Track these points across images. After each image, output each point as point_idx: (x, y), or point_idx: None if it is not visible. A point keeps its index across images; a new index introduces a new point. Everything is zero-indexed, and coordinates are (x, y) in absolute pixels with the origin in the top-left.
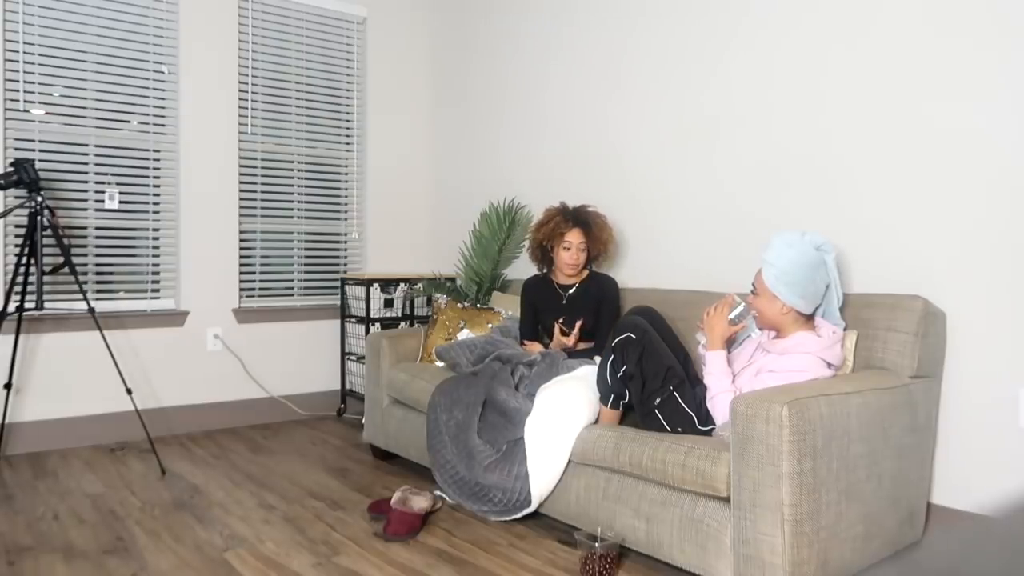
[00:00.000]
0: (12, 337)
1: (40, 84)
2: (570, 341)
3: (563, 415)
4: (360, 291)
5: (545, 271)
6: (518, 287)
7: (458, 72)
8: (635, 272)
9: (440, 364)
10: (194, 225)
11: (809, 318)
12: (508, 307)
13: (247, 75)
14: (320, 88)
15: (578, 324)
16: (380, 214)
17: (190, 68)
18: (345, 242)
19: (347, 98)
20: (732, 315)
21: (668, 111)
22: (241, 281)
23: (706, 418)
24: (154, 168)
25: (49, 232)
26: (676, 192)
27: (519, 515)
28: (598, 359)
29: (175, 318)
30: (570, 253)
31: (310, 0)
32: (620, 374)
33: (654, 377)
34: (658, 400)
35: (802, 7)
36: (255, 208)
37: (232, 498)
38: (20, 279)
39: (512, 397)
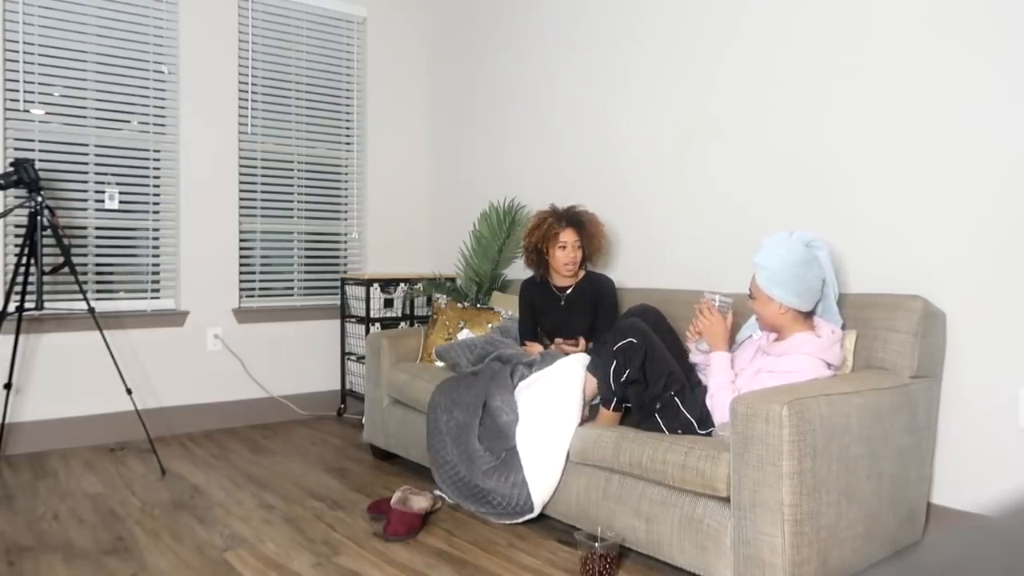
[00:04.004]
0: (12, 337)
1: (40, 84)
2: (576, 350)
3: (549, 420)
4: (360, 291)
5: (542, 274)
6: (518, 287)
7: (458, 72)
8: (636, 272)
9: (440, 364)
10: (194, 225)
11: (808, 317)
12: (508, 307)
13: (247, 75)
14: (320, 88)
15: (580, 342)
16: (380, 214)
17: (190, 68)
18: (345, 242)
19: (347, 98)
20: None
21: (668, 111)
22: (241, 281)
23: (706, 422)
24: (154, 168)
25: (49, 232)
26: (676, 192)
27: (521, 520)
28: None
29: (175, 318)
30: (566, 252)
31: (310, 0)
32: (623, 379)
33: (656, 381)
34: (659, 405)
35: (798, 8)
36: (255, 208)
37: (232, 498)
38: (20, 279)
39: (506, 406)
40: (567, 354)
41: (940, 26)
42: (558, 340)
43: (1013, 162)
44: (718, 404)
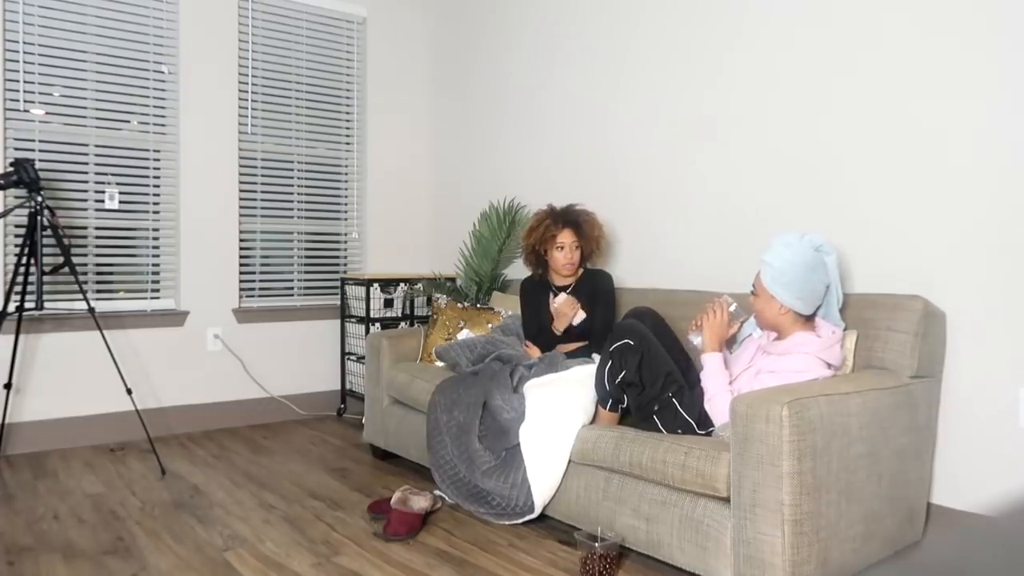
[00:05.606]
0: (12, 337)
1: (40, 84)
2: (573, 311)
3: (557, 420)
4: (360, 291)
5: (541, 273)
6: (518, 287)
7: (458, 72)
8: (635, 272)
9: (440, 364)
10: (194, 225)
11: (809, 319)
12: (508, 307)
13: (247, 75)
14: (320, 88)
15: (575, 306)
16: (380, 214)
17: (190, 68)
18: (345, 242)
19: (347, 98)
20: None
21: (669, 112)
22: (241, 281)
23: (705, 422)
24: (154, 168)
25: (49, 232)
26: (676, 192)
27: (521, 520)
28: (596, 356)
29: (175, 318)
30: (564, 253)
31: (310, 0)
32: (618, 380)
33: (653, 384)
34: (657, 407)
35: (800, 11)
36: (255, 208)
37: (232, 498)
38: (20, 279)
39: (507, 404)
40: (565, 313)
41: (941, 27)
42: (560, 299)
43: (1015, 162)
44: (717, 409)
